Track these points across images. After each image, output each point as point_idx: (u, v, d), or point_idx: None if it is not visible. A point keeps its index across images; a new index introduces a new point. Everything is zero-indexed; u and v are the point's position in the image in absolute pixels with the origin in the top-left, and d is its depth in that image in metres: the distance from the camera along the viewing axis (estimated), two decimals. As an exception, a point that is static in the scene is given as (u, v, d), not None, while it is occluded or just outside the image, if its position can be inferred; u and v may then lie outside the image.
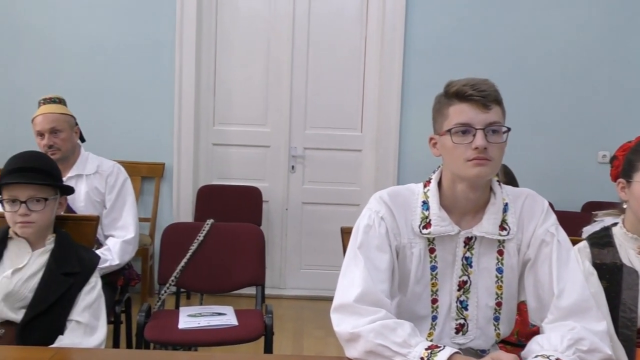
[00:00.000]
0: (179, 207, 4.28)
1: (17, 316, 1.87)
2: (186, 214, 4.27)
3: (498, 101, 1.49)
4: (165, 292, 2.78)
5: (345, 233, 1.96)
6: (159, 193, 4.23)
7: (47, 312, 1.87)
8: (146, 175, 4.19)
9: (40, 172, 1.95)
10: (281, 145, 4.38)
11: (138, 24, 4.18)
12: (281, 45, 4.31)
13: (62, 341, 1.85)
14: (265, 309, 2.66)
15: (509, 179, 2.65)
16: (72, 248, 1.99)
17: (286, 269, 4.44)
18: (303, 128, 4.37)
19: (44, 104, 2.82)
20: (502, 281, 1.57)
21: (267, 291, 3.82)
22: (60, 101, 2.86)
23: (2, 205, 1.97)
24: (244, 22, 4.31)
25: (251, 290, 2.96)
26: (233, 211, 3.98)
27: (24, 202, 1.89)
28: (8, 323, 1.89)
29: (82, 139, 2.91)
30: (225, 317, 2.61)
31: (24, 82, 4.18)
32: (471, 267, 1.56)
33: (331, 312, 1.47)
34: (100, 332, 1.94)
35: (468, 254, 1.56)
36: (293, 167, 4.38)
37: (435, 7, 4.17)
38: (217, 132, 4.38)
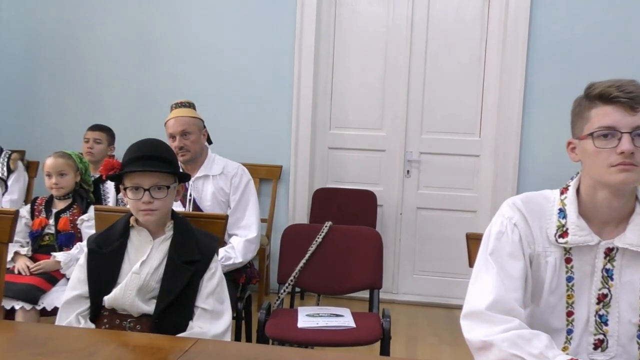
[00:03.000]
0: (295, 208, 4.37)
1: (150, 308, 1.92)
2: (301, 216, 4.35)
3: None
4: (285, 291, 2.85)
5: (471, 239, 1.92)
6: (276, 194, 4.34)
7: (175, 302, 1.92)
8: (264, 177, 4.32)
9: (162, 159, 1.98)
10: (397, 149, 4.35)
11: (260, 32, 4.32)
12: (399, 49, 4.30)
13: (192, 329, 1.90)
14: (383, 313, 2.65)
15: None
16: (191, 233, 2.01)
17: (399, 274, 4.41)
18: (419, 132, 4.32)
19: (176, 107, 2.99)
20: None
21: (380, 295, 3.81)
22: (190, 105, 3.01)
23: (124, 193, 2.00)
24: (361, 27, 4.34)
25: (364, 294, 2.98)
26: (348, 214, 4.00)
27: (147, 189, 1.92)
28: (142, 316, 1.94)
29: (209, 141, 3.05)
30: (342, 318, 2.63)
31: (153, 88, 4.45)
32: (612, 279, 1.47)
33: (461, 318, 1.44)
34: (227, 317, 1.96)
35: (609, 266, 1.47)
36: (408, 171, 4.35)
37: (563, 7, 3.97)
38: (333, 136, 4.44)
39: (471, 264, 1.91)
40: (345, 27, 4.36)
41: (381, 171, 4.40)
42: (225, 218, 2.15)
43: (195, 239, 2.00)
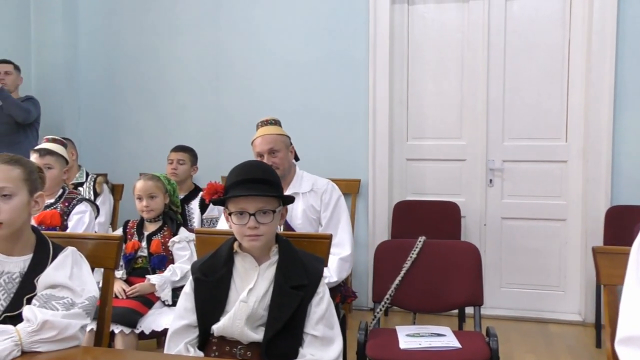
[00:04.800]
0: (375, 222, 4.28)
1: (259, 335, 1.86)
2: (382, 230, 4.26)
3: None
4: (381, 310, 2.76)
5: (599, 253, 1.79)
6: (356, 209, 4.27)
7: (284, 329, 1.85)
8: (343, 191, 4.15)
9: (267, 183, 1.91)
10: (478, 158, 4.22)
11: (333, 45, 4.29)
12: (476, 54, 4.17)
13: (304, 357, 1.83)
14: (487, 331, 2.52)
15: None
16: (296, 256, 1.94)
17: (485, 287, 4.22)
18: (501, 139, 4.17)
19: (262, 125, 2.95)
20: None
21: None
22: (276, 122, 2.97)
23: (228, 218, 1.94)
24: (436, 34, 4.24)
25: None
26: (430, 227, 3.87)
27: (253, 214, 1.85)
28: (252, 343, 1.88)
29: (297, 158, 3.00)
30: (445, 338, 2.51)
31: (231, 107, 4.48)
32: None
33: (616, 344, 1.32)
34: (338, 343, 1.89)
35: None
36: (491, 180, 4.20)
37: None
38: (411, 147, 4.34)
39: (600, 280, 1.78)
40: (418, 35, 4.27)
41: (462, 181, 4.27)
42: (329, 237, 2.08)
43: (301, 262, 1.93)
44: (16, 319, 1.66)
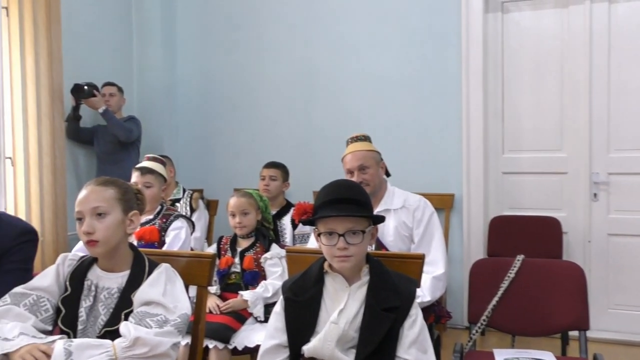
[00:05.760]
0: (470, 238, 4.14)
1: (350, 358, 1.83)
2: (477, 246, 4.11)
3: None
4: (477, 331, 2.64)
5: None
6: (449, 225, 4.15)
7: (376, 352, 1.81)
8: (436, 206, 4.05)
9: (356, 203, 1.88)
10: (580, 171, 3.98)
11: (425, 58, 4.21)
12: (577, 61, 3.96)
13: None
14: (595, 358, 2.35)
15: None
16: (388, 277, 1.90)
17: (591, 309, 3.95)
18: (606, 151, 3.92)
19: (352, 142, 2.92)
20: None
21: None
22: (366, 138, 2.94)
23: (318, 238, 1.92)
24: (532, 42, 4.07)
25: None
26: (529, 244, 3.70)
27: (342, 235, 1.83)
28: None
29: (387, 174, 2.95)
30: (548, 364, 2.37)
31: (322, 122, 4.50)
32: None
33: None
34: None
35: None
36: (595, 194, 3.95)
37: None
38: (507, 160, 4.17)
39: None
40: (514, 44, 4.11)
41: (563, 195, 4.05)
42: (422, 257, 2.02)
43: (393, 284, 1.88)
44: (115, 334, 1.72)
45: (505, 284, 2.66)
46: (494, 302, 2.64)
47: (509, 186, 4.18)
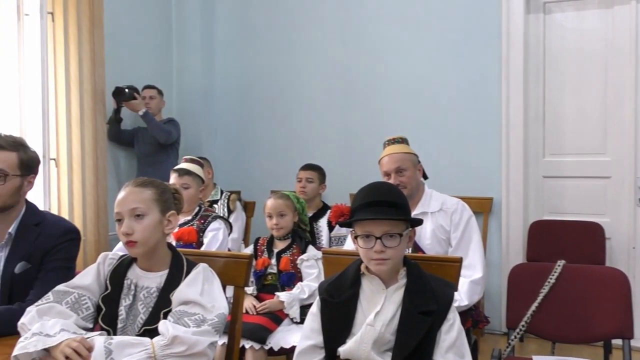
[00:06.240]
0: (509, 243, 4.07)
1: None
2: (517, 251, 4.04)
3: None
4: (516, 337, 2.59)
5: None
6: (488, 229, 4.08)
7: (412, 356, 1.80)
8: (474, 210, 4.00)
9: (393, 205, 1.87)
10: (625, 175, 3.88)
11: (464, 60, 4.16)
12: (622, 62, 3.86)
13: None
14: (639, 368, 2.29)
15: None
16: (425, 280, 1.88)
17: (635, 317, 3.86)
18: (652, 155, 3.82)
19: (389, 144, 2.92)
20: None
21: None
22: (403, 140, 2.93)
23: (355, 241, 1.93)
24: (575, 43, 3.98)
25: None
26: (570, 249, 3.61)
27: (379, 237, 1.82)
28: None
29: (425, 177, 2.93)
30: (590, 372, 2.31)
31: (358, 125, 4.49)
32: None
33: None
34: None
35: None
36: (641, 199, 3.85)
37: None
38: (548, 164, 4.09)
39: None
40: (556, 46, 4.03)
41: (607, 200, 3.95)
42: (459, 261, 1.99)
43: (430, 287, 1.86)
44: (154, 332, 1.74)
45: (545, 289, 2.61)
46: (533, 307, 2.59)
47: (549, 190, 4.10)
